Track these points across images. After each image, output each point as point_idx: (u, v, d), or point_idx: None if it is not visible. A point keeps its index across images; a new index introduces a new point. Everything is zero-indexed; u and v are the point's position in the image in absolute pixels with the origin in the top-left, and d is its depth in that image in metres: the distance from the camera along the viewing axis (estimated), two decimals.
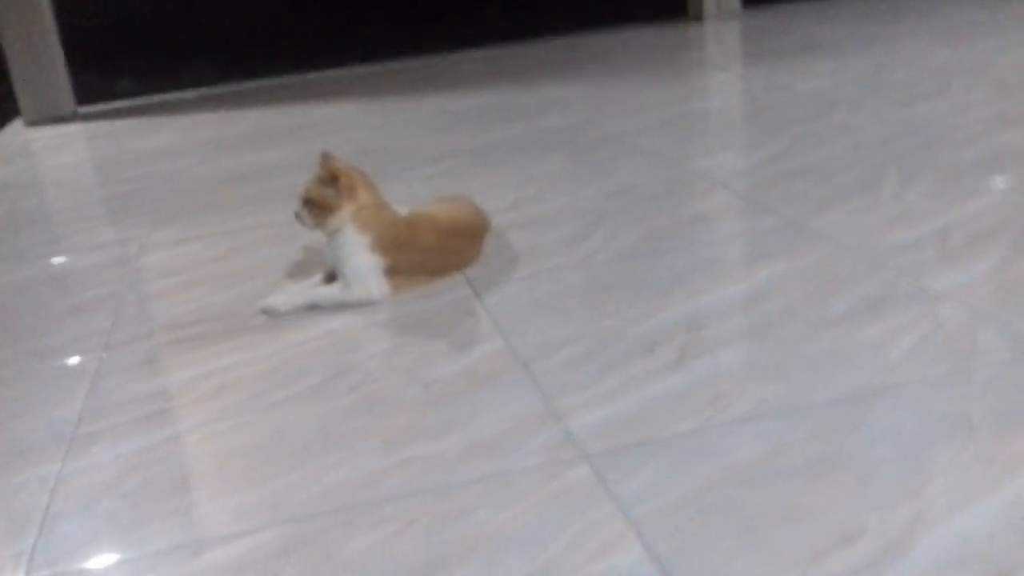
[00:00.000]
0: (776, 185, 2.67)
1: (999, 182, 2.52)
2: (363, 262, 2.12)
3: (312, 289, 2.19)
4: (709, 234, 2.42)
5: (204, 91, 5.32)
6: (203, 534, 1.41)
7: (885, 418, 1.50)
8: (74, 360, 2.07)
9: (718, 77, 4.53)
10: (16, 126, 4.97)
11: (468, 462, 1.51)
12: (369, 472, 1.51)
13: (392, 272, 2.15)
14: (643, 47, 5.23)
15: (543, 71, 4.86)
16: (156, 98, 5.28)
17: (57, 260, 2.81)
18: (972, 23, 4.73)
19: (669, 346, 1.81)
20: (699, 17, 5.73)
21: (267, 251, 2.58)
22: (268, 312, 2.15)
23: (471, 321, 2.03)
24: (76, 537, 1.44)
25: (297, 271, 2.38)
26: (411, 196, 2.63)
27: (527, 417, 1.62)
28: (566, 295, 2.10)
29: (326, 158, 2.14)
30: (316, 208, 2.14)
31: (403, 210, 2.25)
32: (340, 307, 2.14)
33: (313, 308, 2.15)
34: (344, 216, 2.12)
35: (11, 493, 1.57)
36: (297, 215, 2.18)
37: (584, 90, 4.26)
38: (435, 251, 2.21)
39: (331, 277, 2.23)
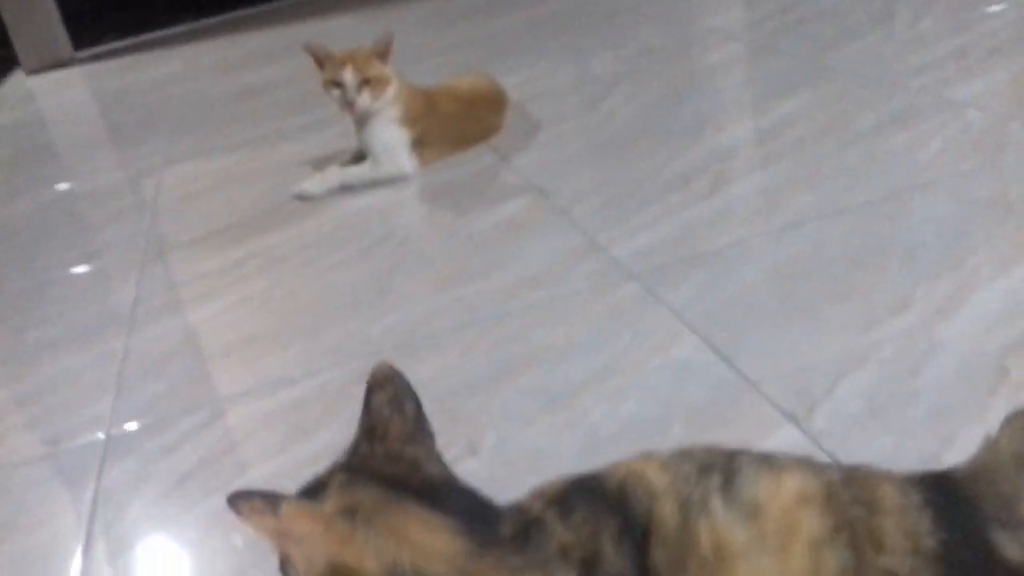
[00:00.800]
0: (788, 32, 2.66)
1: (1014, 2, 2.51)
2: (392, 136, 2.15)
3: (342, 170, 2.22)
4: (729, 79, 2.43)
5: (202, 22, 5.29)
6: (271, 378, 1.47)
7: (922, 209, 1.53)
8: (118, 257, 2.12)
9: None
10: (17, 77, 4.96)
11: (518, 294, 1.55)
12: (425, 312, 1.56)
13: (418, 144, 2.18)
14: None
15: None
16: (153, 34, 5.25)
17: (85, 180, 2.85)
18: None
19: (703, 177, 1.83)
20: None
21: (288, 149, 2.61)
22: (302, 197, 2.19)
23: (503, 181, 2.06)
24: (151, 395, 1.50)
25: (323, 163, 2.40)
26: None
27: (570, 252, 1.66)
28: (594, 149, 2.13)
29: (387, 35, 2.13)
30: (380, 86, 2.10)
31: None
32: (372, 185, 2.17)
33: (346, 189, 2.18)
34: (395, 86, 2.13)
35: (80, 369, 1.64)
36: (351, 101, 2.09)
37: None
38: (457, 119, 2.23)
39: (358, 159, 2.25)
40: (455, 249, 1.77)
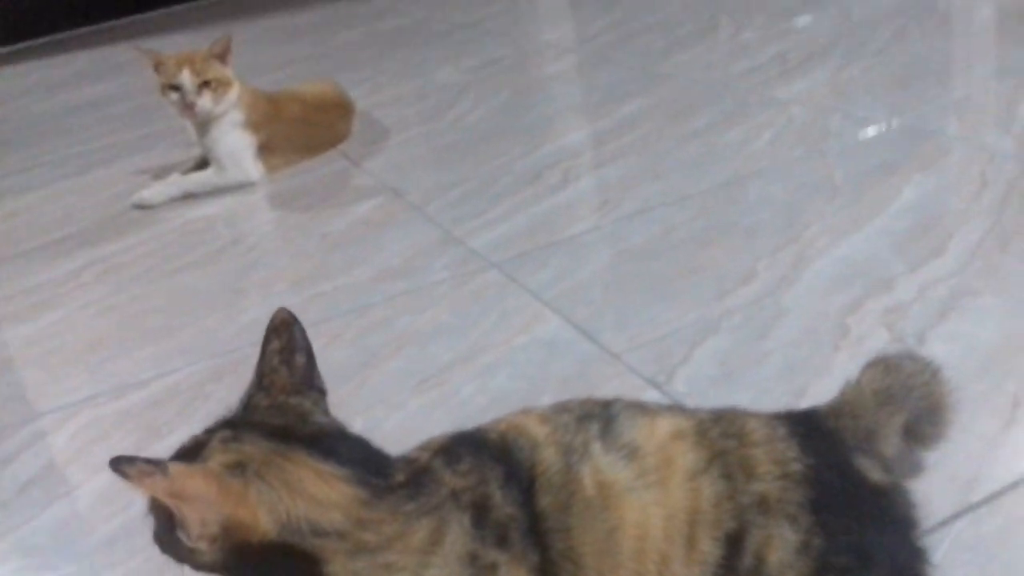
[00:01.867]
0: (620, 44, 2.77)
1: (821, 12, 2.71)
2: (236, 141, 2.09)
3: (184, 178, 2.14)
4: (568, 88, 2.51)
5: (22, 44, 4.99)
6: (120, 381, 1.39)
7: (757, 193, 1.63)
8: None
9: None
10: None
11: (380, 286, 1.54)
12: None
13: (265, 151, 2.13)
14: None
15: None
16: None
17: None
18: None
19: (552, 172, 1.88)
20: None
21: (124, 162, 2.50)
22: (142, 206, 2.09)
23: (355, 183, 2.04)
24: None
25: (162, 173, 2.31)
26: None
27: (428, 245, 1.66)
28: (445, 150, 2.15)
29: (225, 37, 2.07)
30: (218, 87, 2.04)
31: None
32: (216, 192, 2.11)
33: (189, 197, 2.11)
34: (236, 89, 2.08)
35: None
36: (190, 104, 2.02)
37: None
38: (304, 124, 2.20)
39: (201, 167, 2.18)
40: (310, 249, 1.74)
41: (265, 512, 0.63)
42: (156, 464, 0.62)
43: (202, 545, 0.63)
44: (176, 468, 0.63)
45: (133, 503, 1.11)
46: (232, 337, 1.46)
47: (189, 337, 1.49)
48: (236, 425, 0.70)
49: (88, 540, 1.06)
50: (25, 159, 2.74)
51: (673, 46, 2.64)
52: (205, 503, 0.62)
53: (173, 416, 1.27)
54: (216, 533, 0.62)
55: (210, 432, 0.70)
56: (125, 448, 1.22)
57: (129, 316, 1.61)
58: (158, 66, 2.07)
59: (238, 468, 0.65)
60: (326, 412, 0.74)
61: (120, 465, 0.61)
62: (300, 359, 0.75)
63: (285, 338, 0.76)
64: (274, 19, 4.33)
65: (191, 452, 0.69)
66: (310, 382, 0.75)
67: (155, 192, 2.10)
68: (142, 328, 1.55)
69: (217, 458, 0.66)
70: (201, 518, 0.62)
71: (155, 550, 1.01)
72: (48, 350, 1.54)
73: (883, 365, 0.89)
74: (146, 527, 1.04)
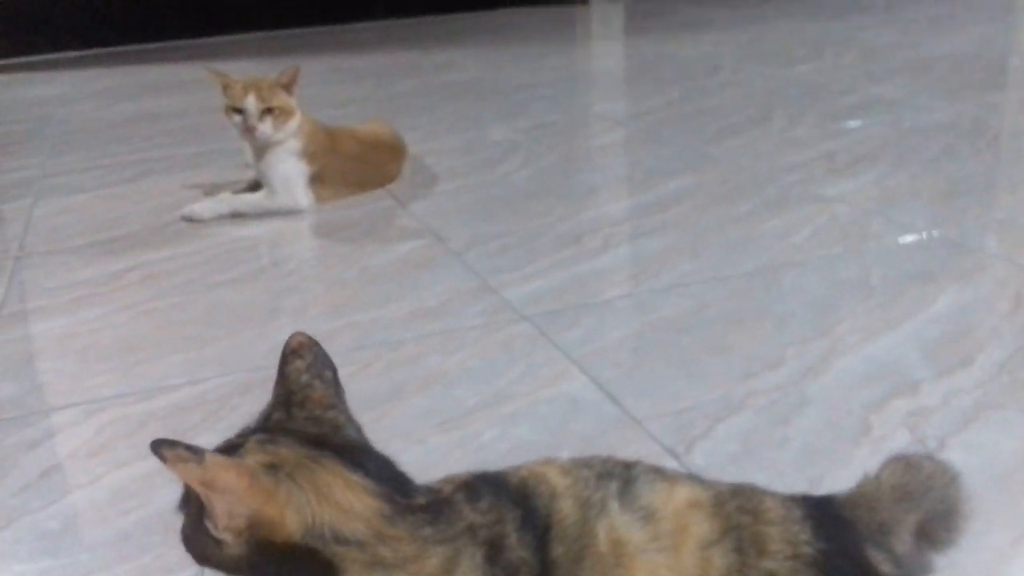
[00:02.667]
0: (672, 123, 2.83)
1: (873, 119, 2.75)
2: (291, 168, 2.15)
3: (235, 197, 2.20)
4: (617, 158, 2.56)
5: (91, 51, 5.16)
6: (150, 383, 1.42)
7: (793, 283, 1.65)
8: None
9: (606, 46, 4.71)
10: None
11: (413, 324, 1.57)
12: (316, 333, 1.53)
13: (316, 181, 2.19)
14: (530, 23, 5.38)
15: (435, 40, 4.94)
16: (39, 57, 5.08)
17: None
18: (835, 5, 5.09)
19: (593, 237, 1.92)
20: (584, 0, 5.93)
21: (178, 175, 2.56)
22: (191, 219, 2.15)
23: (399, 223, 2.09)
24: (17, 390, 1.43)
25: (215, 190, 2.37)
26: None
27: (464, 291, 1.70)
28: (490, 202, 2.19)
29: (293, 68, 2.14)
30: (282, 115, 2.11)
31: None
32: (265, 215, 2.16)
33: (237, 216, 2.16)
34: (298, 118, 2.14)
35: None
36: (251, 128, 2.09)
37: (479, 54, 4.37)
38: (357, 161, 2.26)
39: (253, 189, 2.24)
40: (349, 280, 1.78)
41: (292, 512, 0.65)
42: (194, 451, 0.64)
43: (228, 537, 0.65)
44: (212, 458, 0.65)
45: (151, 501, 1.13)
46: (263, 355, 1.49)
47: (221, 349, 1.52)
48: (272, 430, 0.72)
49: (102, 532, 1.08)
50: (82, 160, 2.82)
51: (724, 131, 2.69)
52: (235, 496, 0.64)
53: (198, 422, 1.30)
54: (242, 527, 0.64)
55: (245, 435, 0.73)
56: (147, 447, 1.24)
57: (166, 322, 1.64)
58: (226, 88, 2.14)
59: (271, 468, 0.67)
60: (357, 429, 0.76)
61: (160, 448, 0.64)
62: (328, 375, 0.78)
63: (310, 357, 0.78)
64: (340, 59, 4.45)
65: (227, 450, 0.72)
66: (340, 398, 0.77)
67: (205, 207, 2.16)
68: (177, 335, 1.59)
69: (252, 456, 0.68)
70: (229, 510, 0.64)
71: (167, 550, 1.03)
72: (84, 345, 1.57)
73: (904, 463, 0.91)
74: (166, 526, 1.06)
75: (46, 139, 3.15)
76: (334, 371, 0.79)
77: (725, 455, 1.16)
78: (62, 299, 1.77)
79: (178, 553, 1.02)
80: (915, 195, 2.05)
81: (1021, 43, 3.95)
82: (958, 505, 0.91)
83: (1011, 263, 1.67)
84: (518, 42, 4.70)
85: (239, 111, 2.10)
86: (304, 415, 0.74)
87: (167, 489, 1.14)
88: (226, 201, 2.18)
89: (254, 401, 1.33)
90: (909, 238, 1.82)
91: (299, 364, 0.77)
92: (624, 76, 3.87)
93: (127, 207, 2.31)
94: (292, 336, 0.80)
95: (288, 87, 2.13)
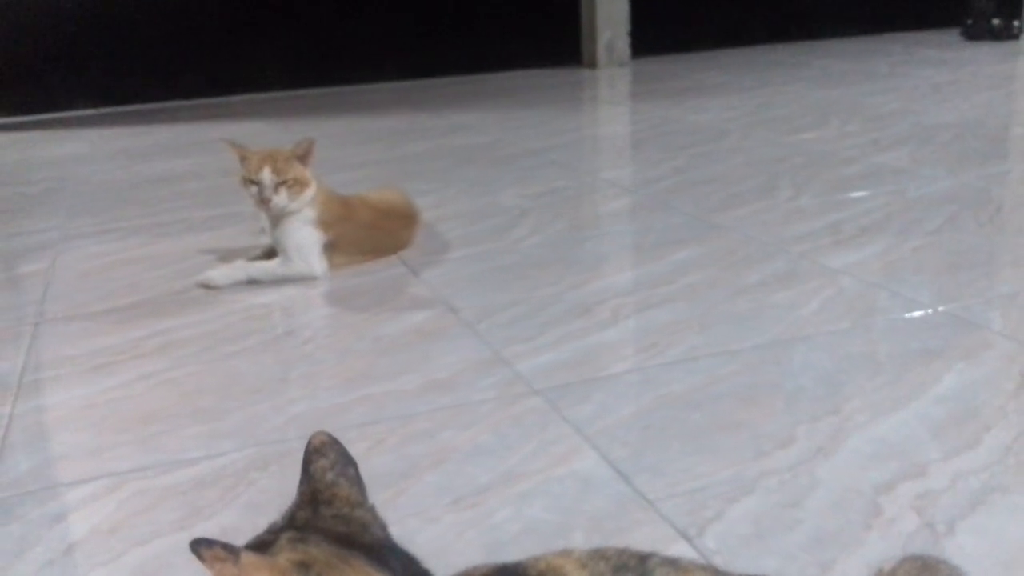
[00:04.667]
0: (680, 191, 2.88)
1: (877, 189, 2.80)
2: (306, 237, 2.19)
3: (251, 264, 2.24)
4: (625, 226, 2.60)
5: (109, 109, 5.26)
6: (169, 457, 1.45)
7: (802, 358, 1.67)
8: (6, 325, 2.05)
9: (614, 110, 4.79)
10: None
11: (426, 397, 1.60)
12: (332, 405, 1.58)
13: (331, 249, 2.23)
14: (540, 86, 5.48)
15: (447, 102, 5.03)
16: (59, 114, 5.18)
17: None
18: (843, 72, 5.17)
19: (603, 308, 1.95)
20: (592, 64, 6.04)
21: (194, 238, 2.61)
22: (206, 286, 2.19)
23: (411, 292, 2.12)
24: (37, 463, 1.45)
25: (230, 256, 2.42)
26: None
27: (477, 362, 1.72)
28: (500, 271, 2.23)
29: (308, 140, 2.19)
30: (297, 186, 2.16)
31: None
32: (280, 282, 2.20)
33: (252, 283, 2.20)
34: (313, 189, 2.19)
35: None
36: (266, 199, 2.13)
37: (488, 117, 4.44)
38: (370, 229, 2.30)
39: (268, 256, 2.28)
40: (361, 350, 1.81)
41: None
42: (230, 550, 0.66)
43: None
44: (247, 557, 0.68)
45: None
46: (278, 428, 1.51)
47: (237, 422, 1.54)
48: (301, 527, 0.75)
49: None
50: (99, 222, 2.87)
51: (731, 200, 2.73)
52: None
53: (217, 499, 1.32)
54: None
55: (275, 532, 0.75)
56: (168, 524, 1.26)
57: (183, 393, 1.67)
58: (243, 160, 2.19)
59: (303, 566, 0.69)
60: (383, 527, 0.78)
61: (199, 547, 0.66)
62: (352, 472, 0.80)
63: (333, 455, 0.80)
64: (353, 120, 4.53)
65: (259, 548, 0.74)
66: (364, 496, 0.79)
67: (221, 274, 2.20)
68: (194, 406, 1.61)
69: (284, 554, 0.70)
70: None
71: None
72: (103, 416, 1.60)
73: (921, 562, 0.93)
74: None
75: (63, 200, 3.20)
76: (356, 468, 0.81)
77: (737, 538, 1.17)
78: (81, 367, 1.79)
79: None
80: (919, 269, 2.08)
81: (1022, 112, 4.01)
82: None
83: (1015, 341, 1.69)
84: (526, 105, 4.78)
85: (255, 183, 2.15)
86: (331, 513, 0.76)
87: (187, 568, 1.16)
88: (242, 268, 2.22)
89: (271, 476, 1.36)
90: (915, 314, 1.85)
91: (323, 463, 0.79)
92: (631, 141, 3.93)
93: (144, 272, 2.35)
94: (314, 435, 0.82)
95: (303, 159, 2.18)
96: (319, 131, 4.44)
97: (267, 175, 2.12)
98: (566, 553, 0.84)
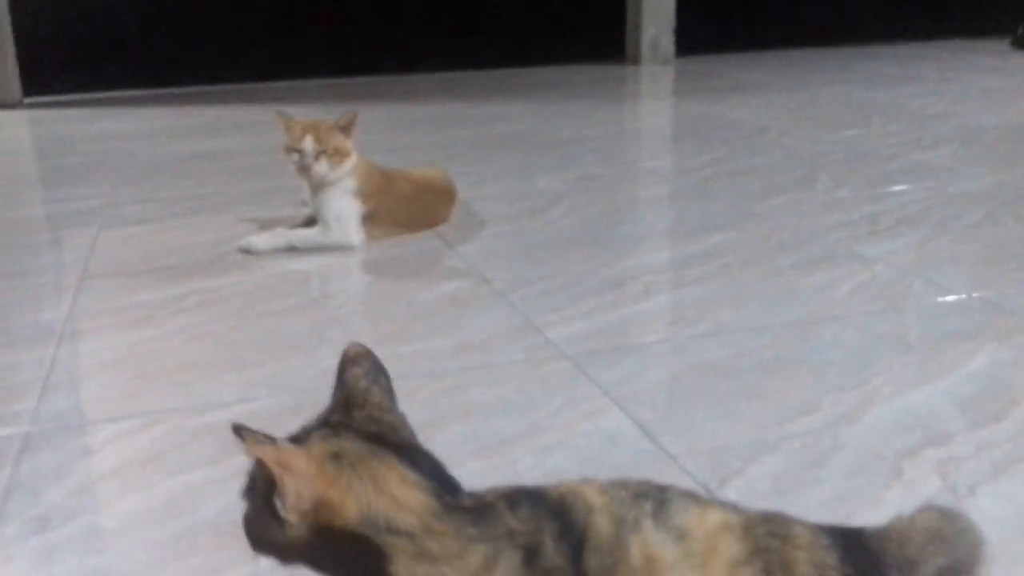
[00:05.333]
0: (718, 181, 2.88)
1: (917, 184, 2.78)
2: (345, 206, 2.23)
3: (290, 232, 2.28)
4: (662, 212, 2.61)
5: (156, 90, 5.36)
6: (203, 400, 1.48)
7: (832, 336, 1.68)
8: (54, 279, 2.11)
9: (656, 105, 4.80)
10: None
11: (457, 358, 1.62)
12: None
13: (369, 220, 2.27)
14: (583, 81, 5.50)
15: (488, 93, 5.06)
16: (104, 94, 5.29)
17: (21, 208, 2.83)
18: (889, 76, 5.13)
19: (635, 283, 1.96)
20: (636, 61, 6.04)
21: (235, 210, 2.66)
22: (247, 251, 2.23)
23: (446, 263, 2.15)
24: (77, 401, 1.50)
25: (271, 225, 2.46)
26: None
27: (508, 329, 1.74)
28: (535, 247, 2.25)
29: (352, 112, 2.23)
30: (337, 156, 2.19)
31: None
32: (318, 250, 2.24)
33: (291, 250, 2.24)
34: (353, 159, 2.23)
35: (6, 369, 1.62)
36: (307, 167, 2.18)
37: (530, 107, 4.47)
38: (409, 202, 2.33)
39: (308, 224, 2.32)
40: (396, 313, 1.84)
41: (352, 500, 0.70)
42: (268, 437, 0.70)
43: (293, 517, 0.70)
44: (284, 443, 0.71)
45: (201, 508, 1.18)
46: (312, 379, 1.55)
47: (273, 372, 1.58)
48: (333, 426, 0.77)
49: (155, 533, 1.13)
50: (143, 193, 2.94)
51: (769, 190, 2.73)
52: (304, 479, 0.69)
53: None
54: (307, 509, 0.69)
55: (307, 431, 0.78)
56: (200, 459, 1.30)
57: (220, 345, 1.71)
58: (287, 128, 2.24)
59: (335, 457, 0.72)
60: (412, 433, 0.81)
61: (240, 430, 0.69)
62: (384, 381, 0.83)
63: (367, 364, 0.83)
64: (396, 108, 4.58)
65: (292, 442, 0.77)
66: (395, 404, 0.82)
67: (262, 240, 2.24)
68: (231, 357, 1.65)
69: (318, 446, 0.73)
70: (298, 490, 0.69)
71: (216, 552, 1.08)
72: (141, 362, 1.65)
73: (938, 511, 0.93)
74: (215, 530, 1.11)
75: (110, 171, 3.28)
76: (388, 378, 0.84)
77: (757, 493, 1.18)
78: (123, 319, 1.85)
79: (227, 555, 1.08)
80: (956, 259, 2.07)
81: None
82: (979, 567, 0.93)
83: None
84: (568, 98, 4.80)
85: (297, 151, 2.19)
86: (363, 416, 0.79)
87: (217, 499, 1.20)
88: (282, 235, 2.26)
89: (304, 420, 1.39)
90: (949, 299, 1.84)
91: (357, 371, 0.82)
92: (671, 134, 3.94)
93: (185, 238, 2.40)
94: (349, 346, 0.85)
95: (346, 130, 2.22)
96: (362, 117, 4.49)
97: (309, 143, 2.17)
98: (586, 480, 0.86)
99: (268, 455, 0.69)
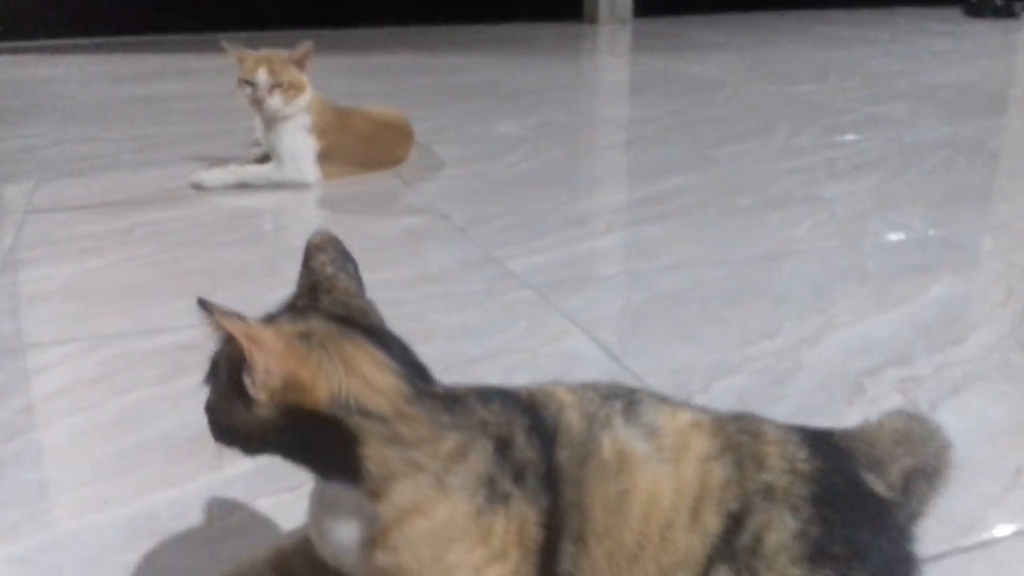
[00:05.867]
0: (676, 129, 2.87)
1: (874, 134, 2.80)
2: (299, 143, 2.17)
3: (243, 168, 2.22)
4: (621, 157, 2.59)
5: (103, 39, 5.20)
6: (152, 325, 1.44)
7: (792, 269, 1.67)
8: None
9: (614, 60, 4.77)
10: None
11: (416, 286, 1.59)
12: None
13: (324, 157, 2.21)
14: (540, 37, 5.44)
15: (447, 46, 4.99)
16: (47, 42, 5.12)
17: None
18: (845, 37, 5.16)
19: (596, 221, 1.94)
20: (593, 19, 6.00)
21: (183, 149, 2.59)
22: (197, 187, 2.17)
23: (404, 200, 2.11)
24: (19, 326, 1.44)
25: (222, 162, 2.39)
26: None
27: (467, 261, 1.72)
28: (495, 187, 2.22)
29: (306, 45, 2.17)
30: (292, 90, 2.13)
31: None
32: (271, 187, 2.18)
33: (243, 186, 2.18)
34: (308, 94, 2.17)
35: None
36: (259, 100, 2.12)
37: (488, 60, 4.42)
38: (366, 141, 2.28)
39: (261, 162, 2.26)
40: (354, 246, 1.77)
41: (323, 379, 0.66)
42: (236, 313, 0.66)
43: (262, 396, 0.66)
44: (252, 320, 0.68)
45: (150, 425, 1.15)
46: (266, 304, 1.50)
47: (225, 299, 1.51)
48: (301, 309, 0.74)
49: (103, 448, 1.09)
50: (88, 132, 2.84)
51: (727, 138, 2.72)
52: (273, 355, 0.66)
53: (201, 359, 1.31)
54: (276, 388, 0.66)
55: (273, 315, 0.75)
56: (149, 378, 1.26)
57: (170, 274, 1.66)
58: (240, 61, 2.17)
59: (304, 337, 0.69)
60: (381, 319, 0.78)
61: (206, 304, 0.66)
62: (351, 268, 0.80)
63: (332, 251, 0.80)
64: (355, 58, 4.49)
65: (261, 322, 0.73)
66: (362, 291, 0.79)
67: (213, 176, 2.18)
68: (181, 284, 1.60)
69: (287, 326, 0.70)
70: (267, 366, 0.66)
71: (166, 466, 1.04)
72: (88, 289, 1.59)
73: (906, 415, 0.93)
74: (165, 445, 1.08)
75: (52, 113, 3.17)
76: (356, 266, 0.81)
77: (722, 407, 1.17)
78: (68, 249, 1.78)
79: (178, 469, 1.04)
80: (912, 201, 2.08)
81: (1021, 75, 4.02)
82: (945, 468, 0.93)
83: (1005, 261, 1.70)
84: (526, 52, 4.76)
85: (250, 83, 2.13)
86: (330, 300, 0.76)
87: (168, 415, 1.16)
88: (233, 171, 2.20)
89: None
90: (905, 236, 1.85)
91: (323, 258, 0.79)
92: (629, 87, 3.92)
93: (132, 175, 2.33)
94: (314, 233, 0.82)
95: (300, 63, 2.16)
96: (318, 65, 4.39)
97: (262, 76, 2.10)
98: (556, 382, 0.85)
99: (238, 328, 0.66)
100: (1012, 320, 1.44)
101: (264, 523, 0.96)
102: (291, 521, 0.95)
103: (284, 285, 1.56)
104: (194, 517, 0.96)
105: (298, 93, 2.15)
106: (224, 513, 0.97)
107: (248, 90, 2.13)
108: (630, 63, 4.62)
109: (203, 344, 1.38)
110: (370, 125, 2.31)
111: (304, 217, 2.04)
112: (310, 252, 0.80)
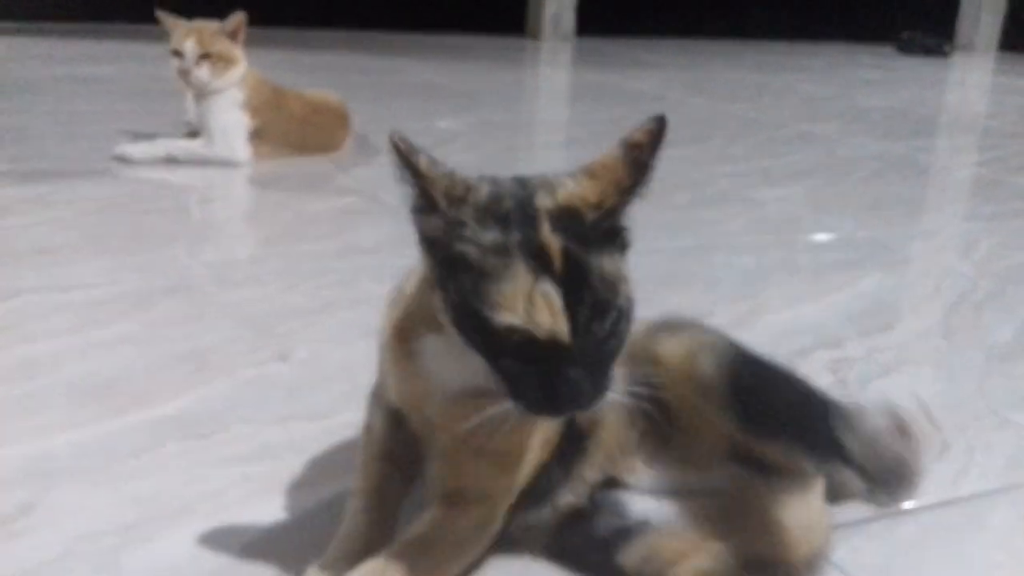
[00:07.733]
0: (614, 133, 2.81)
1: (808, 148, 2.84)
2: (231, 119, 2.11)
3: (171, 141, 2.15)
4: (558, 153, 2.59)
5: (36, 24, 5.04)
6: (67, 282, 1.37)
7: (724, 260, 1.68)
8: None
9: (555, 72, 4.78)
10: None
11: (346, 257, 1.55)
12: (248, 255, 1.53)
13: (257, 137, 2.16)
14: (483, 47, 5.44)
15: (389, 50, 4.95)
16: None
17: None
18: (779, 63, 5.28)
19: None
20: (536, 35, 6.03)
21: (112, 125, 2.50)
22: (122, 159, 2.09)
23: (337, 182, 2.07)
24: None
25: (150, 137, 2.32)
26: None
27: (399, 237, 1.66)
28: None
29: (239, 16, 2.10)
30: (222, 63, 2.07)
31: None
32: (200, 163, 2.12)
33: (171, 161, 2.11)
34: (241, 69, 2.11)
35: None
36: (186, 71, 2.05)
37: (430, 64, 4.39)
38: (301, 123, 2.23)
39: (191, 138, 2.20)
40: (284, 219, 1.75)
41: None
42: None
43: None
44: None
45: (58, 371, 1.08)
46: (187, 267, 1.45)
47: (146, 260, 1.48)
48: None
49: (5, 391, 1.03)
50: (15, 106, 2.73)
51: (664, 144, 2.74)
52: None
53: (117, 313, 1.25)
54: None
55: None
56: (62, 328, 1.20)
57: (89, 235, 1.59)
58: (171, 29, 2.10)
59: None
60: None
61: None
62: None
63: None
64: (293, 54, 4.41)
65: None
66: None
67: (139, 149, 2.11)
68: (99, 246, 1.54)
69: None
70: None
71: (71, 409, 0.98)
72: (2, 247, 1.51)
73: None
74: (72, 390, 1.00)
75: None
76: None
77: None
78: None
79: (84, 412, 0.99)
80: (844, 206, 2.11)
81: (950, 104, 4.14)
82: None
83: (932, 262, 1.73)
84: (469, 59, 4.75)
85: (179, 54, 2.06)
86: None
87: (78, 364, 1.10)
88: (161, 145, 2.13)
89: (179, 302, 1.30)
90: (837, 236, 1.87)
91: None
92: (570, 95, 3.93)
93: (57, 146, 2.24)
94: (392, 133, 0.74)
95: (233, 35, 2.10)
96: (259, 60, 4.30)
97: (190, 46, 2.04)
98: None
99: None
100: (938, 313, 1.45)
101: (168, 467, 0.90)
102: (198, 468, 0.90)
103: (209, 251, 1.51)
104: (96, 459, 0.91)
105: (228, 66, 2.09)
106: (127, 456, 0.91)
107: (176, 62, 2.07)
108: (570, 74, 4.65)
109: (119, 300, 1.32)
110: (307, 108, 2.26)
111: (232, 193, 1.98)
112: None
